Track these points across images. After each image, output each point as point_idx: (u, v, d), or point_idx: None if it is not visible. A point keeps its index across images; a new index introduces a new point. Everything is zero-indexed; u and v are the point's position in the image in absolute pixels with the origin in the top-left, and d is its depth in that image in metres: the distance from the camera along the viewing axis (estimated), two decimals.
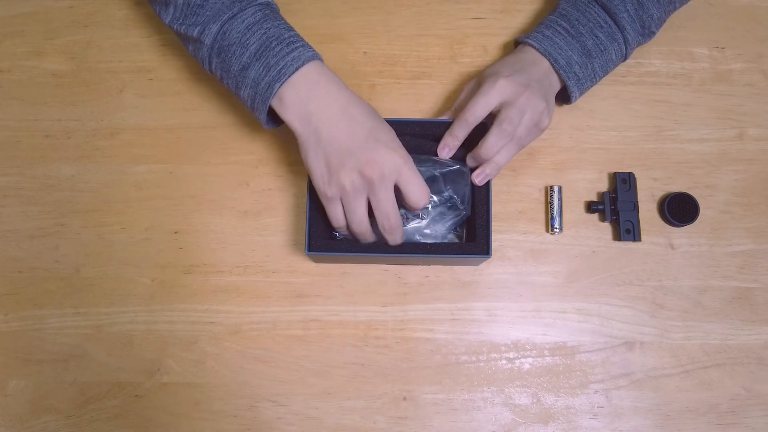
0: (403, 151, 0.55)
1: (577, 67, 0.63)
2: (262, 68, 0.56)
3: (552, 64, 0.62)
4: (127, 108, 0.72)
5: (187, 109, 0.72)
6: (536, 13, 0.74)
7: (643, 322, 0.66)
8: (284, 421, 0.65)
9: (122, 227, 0.69)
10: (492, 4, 0.74)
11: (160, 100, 0.72)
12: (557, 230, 0.67)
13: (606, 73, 0.65)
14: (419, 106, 0.71)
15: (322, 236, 0.61)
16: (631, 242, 0.67)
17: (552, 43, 0.63)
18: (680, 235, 0.68)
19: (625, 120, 0.70)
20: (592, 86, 0.66)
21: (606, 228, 0.68)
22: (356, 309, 0.67)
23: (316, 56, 0.57)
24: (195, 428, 0.65)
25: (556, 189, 0.68)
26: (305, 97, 0.55)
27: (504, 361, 0.66)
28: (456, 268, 0.67)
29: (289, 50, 0.56)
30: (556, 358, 0.65)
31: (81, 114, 0.72)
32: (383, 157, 0.53)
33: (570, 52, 0.62)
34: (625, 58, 0.65)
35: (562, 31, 0.63)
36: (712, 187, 0.69)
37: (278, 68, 0.56)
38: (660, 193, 0.69)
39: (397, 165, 0.54)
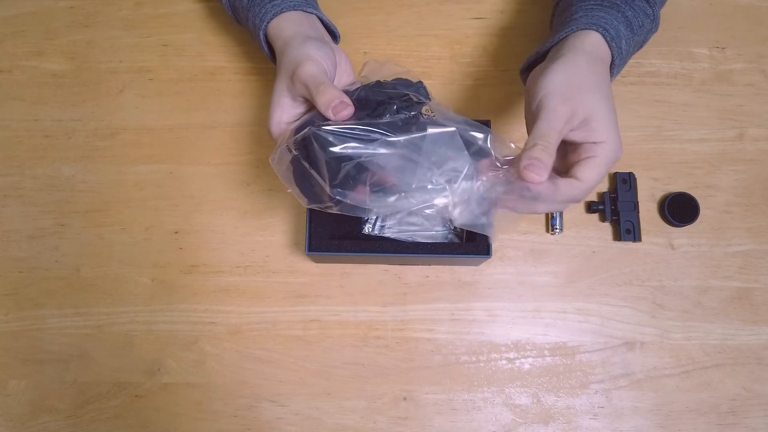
0: (268, 119, 0.53)
1: (623, 41, 0.55)
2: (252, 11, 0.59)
3: (604, 36, 0.54)
4: (127, 108, 0.72)
5: (187, 109, 0.72)
6: (536, 13, 0.73)
7: (643, 322, 0.66)
8: (284, 422, 0.65)
9: (122, 227, 0.69)
10: (492, 4, 0.74)
11: (160, 100, 0.72)
12: (557, 230, 0.67)
13: (628, 59, 0.59)
14: None
15: (323, 236, 0.61)
16: (631, 242, 0.67)
17: (594, 17, 0.55)
18: (680, 235, 0.68)
19: (625, 120, 0.70)
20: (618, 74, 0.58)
21: (606, 228, 0.68)
22: (356, 309, 0.67)
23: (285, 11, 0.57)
24: (195, 428, 0.65)
25: None
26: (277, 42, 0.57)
27: (504, 362, 0.66)
28: (456, 268, 0.67)
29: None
30: (557, 358, 0.65)
31: (81, 114, 0.72)
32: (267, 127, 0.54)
33: (616, 22, 0.55)
34: (641, 47, 0.61)
35: (595, 6, 0.56)
36: (712, 187, 0.69)
37: (261, 14, 0.58)
38: (660, 193, 0.69)
39: (269, 134, 0.54)
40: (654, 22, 0.59)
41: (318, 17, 0.60)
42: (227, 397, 0.65)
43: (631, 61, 0.71)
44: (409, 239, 0.65)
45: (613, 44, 0.54)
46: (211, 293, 0.67)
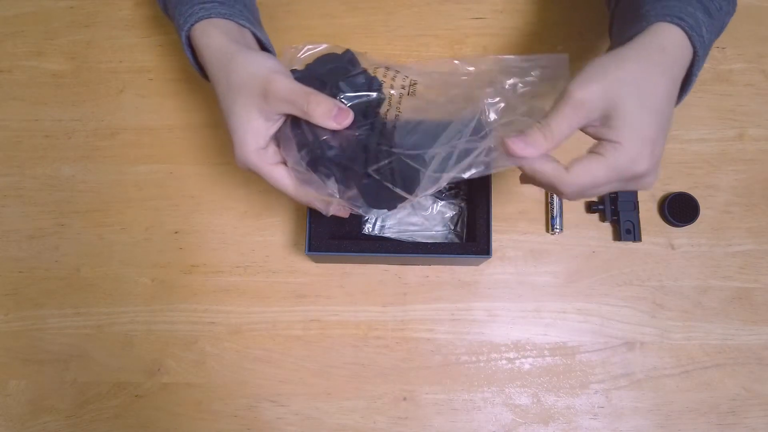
0: (240, 149, 0.49)
1: (704, 29, 0.46)
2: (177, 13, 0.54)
3: (682, 27, 0.45)
4: (127, 108, 0.72)
5: (187, 109, 0.72)
6: (536, 13, 0.73)
7: (643, 323, 0.66)
8: (284, 421, 0.65)
9: (122, 227, 0.69)
10: (492, 4, 0.74)
11: (160, 100, 0.72)
12: (557, 230, 0.67)
13: (710, 48, 0.50)
14: None
15: (323, 236, 0.61)
16: (631, 242, 0.67)
17: (666, 7, 0.46)
18: (680, 235, 0.68)
19: None
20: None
21: (606, 228, 0.68)
22: (356, 309, 0.67)
23: (207, 17, 0.52)
24: (195, 428, 0.65)
25: None
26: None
27: (504, 362, 0.66)
28: (456, 268, 0.67)
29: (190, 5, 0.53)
30: (557, 358, 0.65)
31: (81, 114, 0.72)
32: (235, 156, 0.50)
33: (692, 9, 0.46)
34: (720, 32, 0.52)
35: None
36: (712, 187, 0.69)
37: (183, 18, 0.53)
38: (660, 193, 0.69)
39: (242, 165, 0.50)
40: (732, 3, 0.51)
41: (253, 33, 0.55)
42: (227, 397, 0.65)
43: None
44: (409, 239, 0.65)
45: (694, 34, 0.45)
46: (211, 293, 0.67)
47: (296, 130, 0.48)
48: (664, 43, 0.45)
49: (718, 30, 0.51)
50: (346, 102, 0.48)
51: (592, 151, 0.44)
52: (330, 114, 0.46)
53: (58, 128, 0.72)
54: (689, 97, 0.70)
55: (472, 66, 0.50)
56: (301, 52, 0.52)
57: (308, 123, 0.47)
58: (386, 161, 0.46)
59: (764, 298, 0.66)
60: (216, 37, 0.51)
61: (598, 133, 0.44)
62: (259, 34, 0.55)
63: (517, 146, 0.43)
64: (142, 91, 0.72)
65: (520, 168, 0.46)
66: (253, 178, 0.69)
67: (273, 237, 0.68)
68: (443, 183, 0.46)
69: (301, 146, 0.48)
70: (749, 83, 0.71)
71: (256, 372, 0.66)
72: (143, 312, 0.67)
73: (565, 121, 0.43)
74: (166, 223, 0.69)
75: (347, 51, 0.51)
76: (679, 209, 0.67)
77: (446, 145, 0.46)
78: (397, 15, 0.74)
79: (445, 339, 0.66)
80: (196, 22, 0.52)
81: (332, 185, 0.48)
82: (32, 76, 0.73)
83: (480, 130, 0.47)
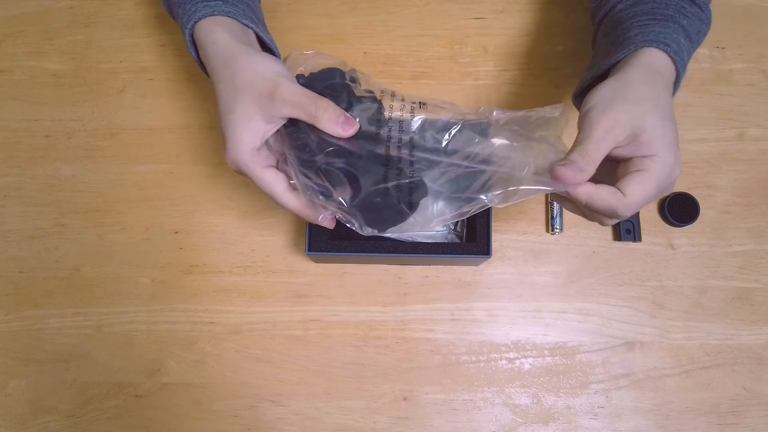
0: (234, 147, 0.48)
1: (686, 54, 0.51)
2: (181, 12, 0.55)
3: (667, 53, 0.49)
4: (128, 108, 0.72)
5: (187, 109, 0.72)
6: (536, 13, 0.73)
7: (643, 322, 0.66)
8: (284, 422, 0.65)
9: (122, 227, 0.69)
10: (492, 4, 0.74)
11: (160, 100, 0.72)
12: (557, 230, 0.67)
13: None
14: None
15: (323, 236, 0.61)
16: (631, 242, 0.67)
17: (651, 33, 0.50)
18: (680, 235, 0.68)
19: None
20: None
21: (606, 228, 0.68)
22: (356, 309, 0.67)
23: (210, 15, 0.52)
24: (195, 428, 0.65)
25: None
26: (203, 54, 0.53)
27: (504, 362, 0.66)
28: (456, 268, 0.67)
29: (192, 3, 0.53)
30: (557, 358, 0.65)
31: (81, 114, 0.72)
32: (227, 154, 0.50)
33: (676, 35, 0.50)
34: (694, 50, 0.55)
35: (650, 21, 0.51)
36: (712, 187, 0.69)
37: (186, 16, 0.53)
38: None
39: (233, 164, 0.50)
40: (707, 25, 0.55)
41: (256, 34, 0.55)
42: (227, 397, 0.65)
43: None
44: (409, 239, 0.65)
45: (677, 58, 0.49)
46: (211, 293, 0.67)
47: (299, 134, 0.48)
48: (659, 67, 0.49)
49: (692, 53, 0.54)
50: (353, 114, 0.48)
51: (632, 171, 0.46)
52: (337, 120, 0.46)
53: (58, 128, 0.72)
54: (689, 97, 0.71)
55: (469, 111, 0.52)
56: (307, 59, 0.52)
57: (314, 130, 0.47)
58: (407, 180, 0.47)
59: (764, 298, 0.66)
60: (220, 34, 0.51)
61: (629, 152, 0.46)
62: (262, 35, 0.55)
63: (568, 174, 0.44)
64: (142, 91, 0.72)
65: (570, 197, 0.47)
66: None
67: (273, 237, 0.68)
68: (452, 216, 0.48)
69: (309, 150, 0.47)
70: (749, 83, 0.71)
71: (256, 372, 0.66)
72: (143, 312, 0.67)
73: (600, 145, 0.45)
74: (166, 223, 0.69)
75: (351, 69, 0.52)
76: (679, 209, 0.67)
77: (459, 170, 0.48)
78: (397, 15, 0.74)
79: (445, 339, 0.66)
80: (200, 19, 0.52)
81: (333, 196, 0.47)
82: (32, 76, 0.73)
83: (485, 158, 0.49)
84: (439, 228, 0.67)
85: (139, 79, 0.73)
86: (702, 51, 0.72)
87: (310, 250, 0.60)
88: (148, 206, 0.69)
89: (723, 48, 0.72)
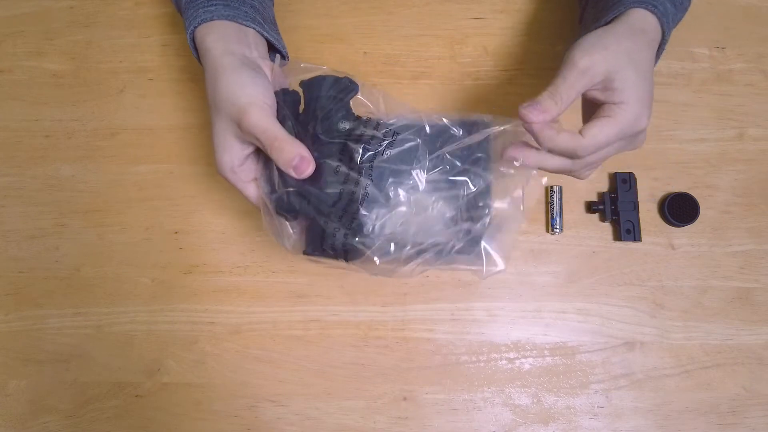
0: (218, 165, 0.51)
1: (671, 18, 0.53)
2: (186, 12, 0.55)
3: (655, 15, 0.51)
4: (128, 108, 0.72)
5: (187, 109, 0.72)
6: (536, 13, 0.73)
7: (643, 322, 0.66)
8: (284, 422, 0.65)
9: (122, 227, 0.69)
10: (492, 4, 0.74)
11: (160, 100, 0.72)
12: (557, 230, 0.67)
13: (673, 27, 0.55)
14: (420, 107, 0.71)
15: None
16: (631, 242, 0.67)
17: None
18: (680, 235, 0.68)
19: None
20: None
21: (606, 228, 0.68)
22: (356, 309, 0.67)
23: (210, 19, 0.53)
24: (195, 428, 0.65)
25: (556, 189, 0.68)
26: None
27: (504, 362, 0.66)
28: None
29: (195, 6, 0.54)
30: (557, 358, 0.65)
31: (81, 114, 0.72)
32: (215, 161, 0.52)
33: (664, 0, 0.52)
34: (687, 8, 0.57)
35: None
36: (712, 187, 0.69)
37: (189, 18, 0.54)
38: (660, 193, 0.69)
39: (222, 177, 0.52)
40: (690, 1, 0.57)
41: (260, 34, 0.55)
42: (227, 397, 0.65)
43: None
44: None
45: (664, 20, 0.51)
46: (211, 293, 0.67)
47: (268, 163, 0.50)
48: (644, 25, 0.51)
49: (676, 21, 0.56)
50: (324, 139, 0.49)
51: (598, 116, 0.48)
52: (290, 163, 0.47)
53: (58, 128, 0.72)
54: (689, 97, 0.71)
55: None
56: (306, 72, 0.52)
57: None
58: (340, 244, 0.49)
59: (764, 298, 0.66)
60: (213, 42, 0.51)
61: (601, 96, 0.48)
62: (266, 34, 0.55)
63: (532, 113, 0.46)
64: (142, 91, 0.72)
65: (537, 139, 0.48)
66: None
67: (273, 237, 0.68)
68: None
69: (271, 181, 0.50)
70: (749, 83, 0.71)
71: (256, 372, 0.66)
72: (143, 312, 0.67)
73: (573, 86, 0.47)
74: (166, 223, 0.69)
75: (345, 78, 0.52)
76: (679, 209, 0.67)
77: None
78: (397, 15, 0.74)
79: (445, 339, 0.66)
80: (199, 24, 0.53)
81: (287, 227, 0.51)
82: (32, 76, 0.73)
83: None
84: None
85: (139, 79, 0.73)
86: (702, 51, 0.72)
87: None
88: (148, 206, 0.69)
89: (723, 48, 0.72)
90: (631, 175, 0.68)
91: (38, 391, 0.66)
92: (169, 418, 0.65)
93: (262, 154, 0.52)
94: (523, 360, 0.66)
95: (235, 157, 0.50)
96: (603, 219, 0.68)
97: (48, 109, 0.72)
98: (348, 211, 0.49)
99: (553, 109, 0.46)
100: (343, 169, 0.49)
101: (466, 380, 0.65)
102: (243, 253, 0.68)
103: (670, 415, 0.64)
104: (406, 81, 0.72)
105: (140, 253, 0.68)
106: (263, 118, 0.48)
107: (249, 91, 0.49)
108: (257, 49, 0.54)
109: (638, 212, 0.67)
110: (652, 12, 0.51)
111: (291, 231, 0.51)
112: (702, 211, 0.67)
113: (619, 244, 0.68)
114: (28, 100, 0.73)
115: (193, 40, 0.54)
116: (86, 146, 0.71)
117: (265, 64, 0.53)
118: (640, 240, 0.67)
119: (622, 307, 0.66)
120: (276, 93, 0.51)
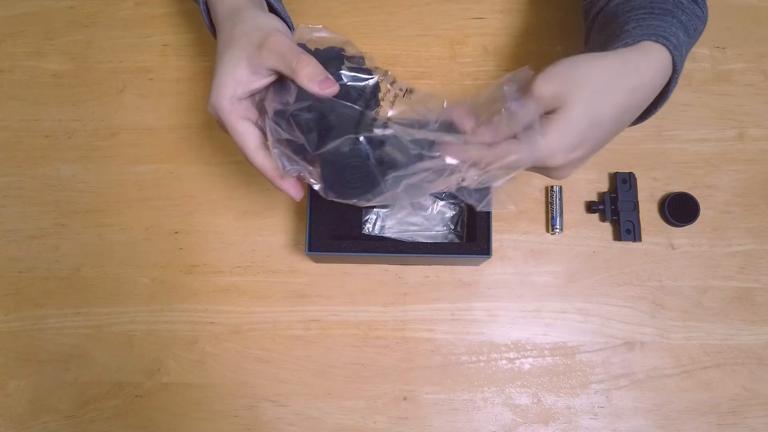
0: (215, 92, 0.48)
1: (684, 49, 0.49)
2: None
3: (665, 46, 0.47)
4: (128, 108, 0.72)
5: (187, 109, 0.72)
6: (536, 13, 0.73)
7: (643, 322, 0.66)
8: (284, 422, 0.65)
9: (122, 227, 0.69)
10: (492, 4, 0.74)
11: (160, 100, 0.72)
12: (557, 230, 0.67)
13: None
14: None
15: (323, 236, 0.61)
16: (631, 242, 0.67)
17: (650, 27, 0.48)
18: (680, 235, 0.68)
19: None
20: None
21: (606, 228, 0.68)
22: (356, 309, 0.67)
23: None
24: (195, 428, 0.65)
25: (556, 189, 0.68)
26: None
27: (504, 361, 0.66)
28: (456, 268, 0.67)
29: None
30: (557, 358, 0.65)
31: (81, 114, 0.72)
32: (209, 99, 0.49)
33: (675, 29, 0.49)
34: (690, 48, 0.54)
35: (647, 15, 0.50)
36: (712, 187, 0.69)
37: None
38: (660, 193, 0.69)
39: (213, 110, 0.49)
40: (704, 23, 0.54)
41: (268, 3, 0.55)
42: (227, 397, 0.65)
43: None
44: (410, 239, 0.65)
45: (677, 53, 0.47)
46: (211, 293, 0.67)
47: (282, 92, 0.47)
48: (644, 65, 0.47)
49: (690, 48, 0.53)
50: (344, 79, 0.47)
51: (521, 134, 0.45)
52: (315, 78, 0.44)
53: (58, 128, 0.72)
54: (689, 97, 0.71)
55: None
56: (314, 32, 0.50)
57: (296, 86, 0.46)
58: (380, 133, 0.45)
59: (764, 298, 0.66)
60: None
61: (543, 118, 0.45)
62: (276, 5, 0.55)
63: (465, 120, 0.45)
64: (142, 91, 0.72)
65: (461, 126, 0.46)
66: (253, 178, 0.70)
67: (273, 237, 0.68)
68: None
69: (285, 102, 0.47)
70: (749, 83, 0.71)
71: (256, 372, 0.66)
72: (143, 312, 0.67)
73: (528, 112, 0.44)
74: (166, 223, 0.69)
75: (358, 52, 0.50)
76: (679, 209, 0.67)
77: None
78: (397, 15, 0.74)
79: (445, 339, 0.66)
80: None
81: (302, 147, 0.46)
82: (32, 76, 0.73)
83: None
84: (439, 228, 0.67)
85: (139, 79, 0.73)
86: (702, 51, 0.72)
87: (310, 250, 0.60)
88: (148, 206, 0.69)
89: (723, 48, 0.72)
90: (631, 175, 0.68)
91: (38, 391, 0.66)
92: (169, 418, 0.65)
93: (271, 87, 0.49)
94: (523, 360, 0.66)
95: (239, 86, 0.47)
96: (603, 219, 0.68)
97: (48, 109, 0.72)
98: (375, 124, 0.46)
99: (505, 132, 0.44)
100: (362, 102, 0.47)
101: (466, 380, 0.65)
102: (243, 253, 0.68)
103: (670, 415, 0.64)
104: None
105: (140, 253, 0.68)
106: (289, 40, 0.47)
107: (276, 24, 0.49)
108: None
109: (638, 212, 0.67)
110: (663, 45, 0.47)
111: (297, 158, 0.47)
112: (702, 211, 0.67)
113: (619, 244, 0.68)
114: (28, 100, 0.73)
115: (205, 2, 0.54)
116: (86, 146, 0.71)
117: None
118: (640, 240, 0.67)
119: (622, 307, 0.66)
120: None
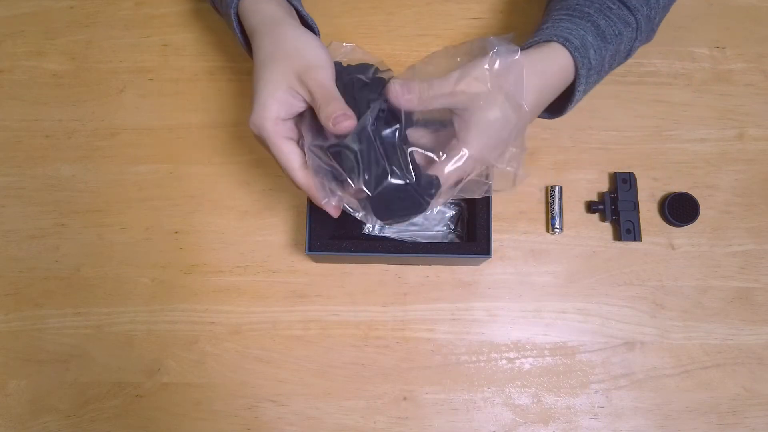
0: (259, 113, 0.49)
1: (592, 51, 0.53)
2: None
3: (566, 47, 0.52)
4: (128, 108, 0.72)
5: (187, 109, 0.72)
6: (536, 14, 0.73)
7: (643, 322, 0.66)
8: (284, 421, 0.65)
9: (122, 227, 0.69)
10: (492, 4, 0.74)
11: (160, 100, 0.72)
12: (557, 230, 0.67)
13: (609, 72, 0.58)
14: None
15: (323, 236, 0.61)
16: (631, 242, 0.67)
17: (559, 28, 0.53)
18: (680, 235, 0.68)
19: (626, 120, 0.70)
20: (592, 88, 0.57)
21: (606, 228, 0.68)
22: (356, 309, 0.67)
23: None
24: (195, 428, 0.65)
25: (556, 189, 0.68)
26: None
27: (504, 361, 0.66)
28: (456, 268, 0.67)
29: None
30: (557, 358, 0.65)
31: (81, 114, 0.72)
32: (251, 118, 0.50)
33: (583, 32, 0.53)
34: (629, 55, 0.59)
35: (565, 17, 0.54)
36: (712, 187, 0.69)
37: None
38: (660, 193, 0.69)
39: (256, 129, 0.50)
40: (638, 31, 0.56)
41: (297, 10, 0.56)
42: (227, 397, 0.65)
43: (631, 61, 0.71)
44: (409, 239, 0.65)
45: (577, 55, 0.52)
46: (211, 293, 0.67)
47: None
48: (546, 67, 0.51)
49: (617, 53, 0.56)
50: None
51: (448, 149, 0.49)
52: (330, 116, 0.46)
53: (58, 128, 0.72)
54: (690, 97, 0.71)
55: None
56: (346, 52, 0.53)
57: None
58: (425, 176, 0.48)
59: (764, 298, 0.66)
60: (265, 4, 0.52)
61: (454, 123, 0.49)
62: (303, 13, 0.56)
63: (401, 92, 0.48)
64: (142, 91, 0.72)
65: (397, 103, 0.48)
66: (253, 178, 0.70)
67: (273, 237, 0.68)
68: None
69: (322, 134, 0.48)
70: (749, 83, 0.71)
71: (256, 372, 0.66)
72: (143, 312, 0.67)
73: (446, 97, 0.48)
74: (166, 223, 0.69)
75: (388, 70, 0.52)
76: (679, 209, 0.67)
77: None
78: (398, 15, 0.74)
79: (445, 339, 0.66)
80: None
81: (350, 183, 0.47)
82: (32, 76, 0.73)
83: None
84: (439, 228, 0.67)
85: (139, 79, 0.73)
86: (702, 51, 0.72)
87: (310, 250, 0.60)
88: (148, 206, 0.69)
89: (723, 48, 0.72)
90: (631, 175, 0.68)
91: (38, 391, 0.66)
92: (169, 418, 0.65)
93: (306, 115, 0.50)
94: (523, 360, 0.66)
95: (282, 108, 0.48)
96: (603, 219, 0.68)
97: (48, 109, 0.72)
98: (396, 150, 0.48)
99: (415, 102, 0.47)
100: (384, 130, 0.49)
101: (466, 380, 0.65)
102: (243, 253, 0.68)
103: (670, 415, 0.64)
104: None
105: (140, 253, 0.68)
106: (328, 78, 0.48)
107: (318, 52, 0.49)
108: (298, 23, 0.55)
109: (638, 212, 0.67)
110: (563, 45, 0.52)
111: (359, 184, 0.48)
112: (702, 211, 0.67)
113: (619, 244, 0.68)
114: (28, 100, 0.73)
115: (236, 13, 0.54)
116: (86, 146, 0.71)
117: None
118: (640, 240, 0.67)
119: (622, 307, 0.66)
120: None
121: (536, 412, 0.64)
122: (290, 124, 0.50)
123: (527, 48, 0.53)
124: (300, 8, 0.56)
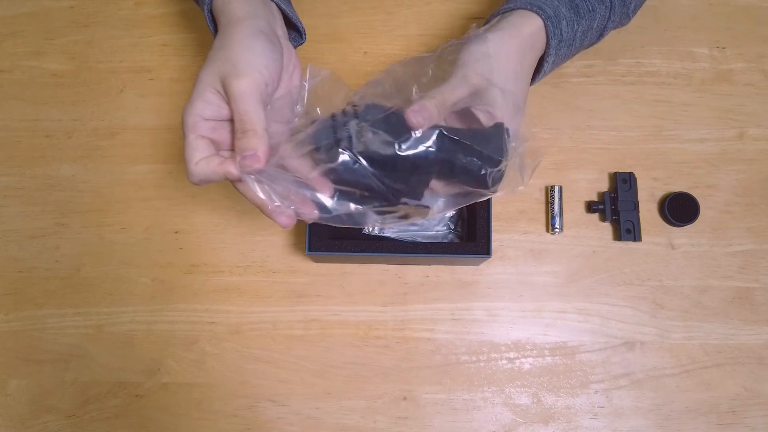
0: (186, 108, 0.46)
1: (564, 22, 0.54)
2: None
3: (539, 15, 0.53)
4: (128, 108, 0.72)
5: None
6: None
7: (643, 322, 0.66)
8: (284, 421, 0.65)
9: (122, 227, 0.69)
10: (492, 4, 0.74)
11: (160, 100, 0.72)
12: (557, 230, 0.67)
13: (580, 49, 0.59)
14: None
15: (323, 236, 0.61)
16: (631, 242, 0.67)
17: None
18: (680, 235, 0.68)
19: (626, 120, 0.70)
20: (562, 62, 0.58)
21: (606, 228, 0.68)
22: (356, 309, 0.67)
23: None
24: (195, 428, 0.65)
25: (556, 189, 0.68)
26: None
27: (504, 361, 0.66)
28: (456, 268, 0.67)
29: None
30: (557, 358, 0.65)
31: (81, 114, 0.72)
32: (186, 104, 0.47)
33: (557, 3, 0.54)
34: (601, 36, 0.59)
35: None
36: (712, 187, 0.69)
37: None
38: (660, 193, 0.69)
39: (182, 120, 0.47)
40: (611, 11, 0.57)
41: (278, 6, 0.53)
42: (227, 397, 0.65)
43: (631, 61, 0.71)
44: (409, 239, 0.65)
45: (549, 24, 0.53)
46: (211, 293, 0.67)
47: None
48: (523, 30, 0.52)
49: (589, 30, 0.57)
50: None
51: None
52: (243, 151, 0.44)
53: (58, 128, 0.72)
54: (690, 97, 0.71)
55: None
56: (322, 77, 0.51)
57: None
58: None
59: (764, 298, 0.66)
60: (236, 8, 0.50)
61: (473, 105, 0.51)
62: (284, 7, 0.54)
63: (418, 118, 0.47)
64: (142, 91, 0.72)
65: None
66: None
67: (273, 237, 0.68)
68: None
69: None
70: (749, 83, 0.71)
71: (256, 372, 0.66)
72: (143, 312, 0.67)
73: (458, 99, 0.49)
74: (166, 223, 0.69)
75: (352, 104, 0.50)
76: (679, 209, 0.67)
77: None
78: (397, 15, 0.74)
79: (445, 339, 0.66)
80: None
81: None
82: (32, 76, 0.73)
83: None
84: (439, 228, 0.67)
85: (139, 79, 0.73)
86: (702, 51, 0.72)
87: (310, 250, 0.60)
88: (148, 206, 0.69)
89: (723, 48, 0.72)
90: (631, 174, 0.68)
91: (38, 391, 0.66)
92: (169, 418, 0.65)
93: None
94: (523, 360, 0.66)
95: (206, 109, 0.46)
96: (603, 219, 0.68)
97: (48, 109, 0.72)
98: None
99: (435, 118, 0.47)
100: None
101: (466, 380, 0.65)
102: (243, 253, 0.68)
103: (670, 415, 0.64)
104: None
105: (140, 253, 0.68)
106: (248, 93, 0.45)
107: (253, 59, 0.46)
108: (282, 28, 0.53)
109: (638, 212, 0.67)
110: (537, 14, 0.52)
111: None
112: (702, 211, 0.67)
113: (619, 244, 0.68)
114: (28, 100, 0.73)
115: (210, 10, 0.52)
116: (86, 146, 0.71)
117: (287, 46, 0.52)
118: (640, 240, 0.67)
119: (622, 307, 0.66)
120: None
121: (536, 412, 0.64)
122: (212, 125, 0.47)
123: (501, 14, 0.54)
124: (285, 8, 0.54)
